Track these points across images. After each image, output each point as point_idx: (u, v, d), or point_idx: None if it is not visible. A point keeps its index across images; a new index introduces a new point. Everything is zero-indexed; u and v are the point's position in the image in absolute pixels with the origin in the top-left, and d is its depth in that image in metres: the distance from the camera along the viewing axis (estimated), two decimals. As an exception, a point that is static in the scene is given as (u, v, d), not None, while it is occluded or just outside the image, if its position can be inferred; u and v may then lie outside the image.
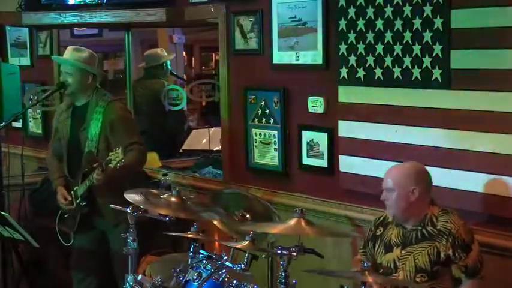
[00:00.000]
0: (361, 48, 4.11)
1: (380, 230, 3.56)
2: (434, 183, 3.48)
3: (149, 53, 6.88)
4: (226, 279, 3.31)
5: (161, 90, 6.18)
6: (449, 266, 3.37)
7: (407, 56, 3.89)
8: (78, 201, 4.53)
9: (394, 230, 3.49)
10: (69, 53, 4.59)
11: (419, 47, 3.83)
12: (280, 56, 4.62)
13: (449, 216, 3.38)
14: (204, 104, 8.11)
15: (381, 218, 3.60)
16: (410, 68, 3.88)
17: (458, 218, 3.39)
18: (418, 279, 3.36)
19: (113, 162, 4.09)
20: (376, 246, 3.54)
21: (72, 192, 4.57)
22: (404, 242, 3.43)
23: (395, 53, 3.94)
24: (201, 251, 3.44)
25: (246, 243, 3.24)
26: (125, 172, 4.29)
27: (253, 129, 4.85)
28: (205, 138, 6.82)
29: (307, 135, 4.51)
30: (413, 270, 3.37)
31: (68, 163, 4.62)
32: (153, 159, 5.96)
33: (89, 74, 4.53)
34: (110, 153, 4.13)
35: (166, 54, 6.89)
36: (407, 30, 3.87)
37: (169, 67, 6.86)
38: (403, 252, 3.42)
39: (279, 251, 3.15)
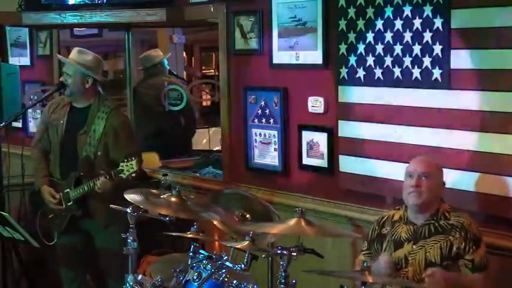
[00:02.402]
0: (361, 48, 4.11)
1: (386, 229, 3.56)
2: (434, 183, 3.51)
3: (143, 56, 6.86)
4: (226, 279, 3.32)
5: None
6: (457, 263, 3.38)
7: (407, 56, 3.89)
8: (69, 204, 4.51)
9: (404, 227, 3.50)
10: (73, 54, 4.58)
11: (419, 47, 3.83)
12: (280, 56, 4.62)
13: (460, 213, 3.45)
14: (204, 104, 8.11)
15: (385, 218, 3.61)
16: (410, 68, 3.88)
17: (468, 215, 3.45)
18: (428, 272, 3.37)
19: (125, 172, 4.13)
20: (384, 245, 3.53)
21: (61, 194, 4.54)
22: (416, 237, 3.45)
23: (395, 53, 3.94)
24: (201, 251, 3.44)
25: (246, 243, 3.24)
26: (125, 182, 4.31)
27: (253, 129, 4.85)
28: (205, 138, 6.82)
29: (307, 135, 4.51)
30: (423, 263, 3.39)
31: (61, 164, 4.59)
32: (153, 159, 5.96)
33: (89, 78, 4.51)
34: (122, 163, 4.15)
35: (160, 53, 6.87)
36: (407, 30, 3.87)
37: (166, 66, 6.85)
38: (414, 247, 3.43)
39: (279, 251, 3.15)
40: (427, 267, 3.37)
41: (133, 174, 4.15)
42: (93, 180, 4.34)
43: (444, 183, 3.51)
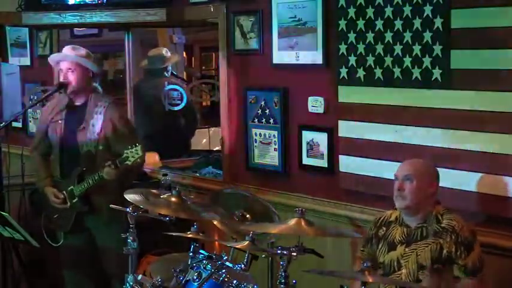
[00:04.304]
0: (361, 48, 4.11)
1: (383, 230, 3.55)
2: (434, 183, 3.51)
3: (153, 55, 6.82)
4: (226, 279, 3.31)
5: (166, 89, 6.18)
6: (450, 266, 3.37)
7: (407, 56, 3.89)
8: (74, 201, 4.52)
9: (398, 229, 3.50)
10: (68, 50, 4.60)
11: (419, 47, 3.83)
12: (280, 56, 4.62)
13: (453, 215, 3.42)
14: (204, 104, 8.12)
15: (382, 218, 3.60)
16: (410, 68, 3.88)
17: (461, 218, 3.42)
18: (420, 276, 3.38)
19: (130, 159, 4.12)
20: (380, 246, 3.53)
21: (64, 192, 4.54)
22: (408, 239, 3.44)
23: (395, 53, 3.94)
24: (201, 251, 3.44)
25: (246, 243, 3.24)
26: (129, 171, 4.32)
27: (253, 129, 4.85)
28: (205, 138, 6.82)
29: (307, 135, 4.51)
30: (416, 266, 3.38)
31: (61, 163, 4.59)
32: (153, 159, 5.97)
33: (89, 72, 4.54)
34: (126, 151, 4.14)
35: (170, 55, 6.86)
36: (407, 30, 3.87)
37: (170, 67, 6.85)
38: (406, 249, 3.43)
39: (279, 251, 3.15)
40: (420, 270, 3.38)
41: (139, 160, 4.14)
42: (97, 173, 4.34)
43: (433, 184, 3.46)
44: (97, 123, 4.47)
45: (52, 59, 4.70)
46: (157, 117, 6.48)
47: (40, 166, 4.69)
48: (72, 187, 4.50)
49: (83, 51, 4.58)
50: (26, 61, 6.67)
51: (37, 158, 4.71)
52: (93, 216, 4.55)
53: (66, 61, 4.54)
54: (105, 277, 4.64)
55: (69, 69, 4.50)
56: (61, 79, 4.54)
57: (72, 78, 4.50)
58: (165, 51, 6.86)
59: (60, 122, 4.59)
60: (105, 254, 4.55)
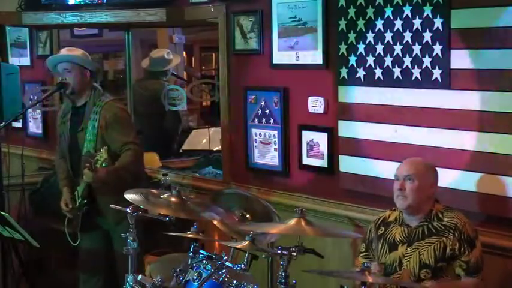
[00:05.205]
0: (361, 48, 4.11)
1: (381, 230, 3.56)
2: (434, 183, 3.51)
3: (156, 57, 6.80)
4: (226, 279, 3.31)
5: (161, 91, 6.17)
6: (452, 264, 3.38)
7: (407, 56, 3.89)
8: (79, 200, 4.55)
9: (398, 229, 3.49)
10: (64, 51, 4.64)
11: (419, 47, 3.83)
12: (280, 56, 4.62)
13: (454, 213, 3.43)
14: (204, 104, 8.12)
15: (381, 219, 3.60)
16: (410, 68, 3.88)
17: (462, 215, 3.43)
18: (422, 275, 3.38)
19: (98, 162, 4.14)
20: (379, 246, 3.53)
21: (75, 192, 4.59)
22: (410, 239, 3.44)
23: (395, 53, 3.95)
24: (201, 251, 3.44)
25: (246, 243, 3.24)
26: (122, 172, 4.35)
27: (253, 129, 4.85)
28: (205, 138, 6.81)
29: (307, 135, 4.51)
30: (418, 266, 3.38)
31: (71, 163, 4.66)
32: (153, 159, 5.96)
33: (87, 71, 4.56)
34: (96, 153, 4.19)
35: (172, 58, 6.85)
36: (407, 30, 3.88)
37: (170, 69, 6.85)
38: (408, 249, 3.43)
39: (279, 251, 3.15)
40: (422, 269, 3.38)
41: (104, 163, 4.17)
42: None
43: (433, 184, 3.47)
44: (94, 123, 4.49)
45: (49, 61, 4.69)
46: (141, 118, 6.49)
47: (60, 168, 4.80)
48: (78, 187, 4.56)
49: (78, 51, 4.62)
50: (26, 61, 6.67)
51: (58, 162, 4.82)
52: (102, 218, 4.59)
53: (63, 62, 4.56)
54: (118, 276, 4.65)
55: (66, 69, 4.53)
56: (59, 79, 4.58)
57: (71, 78, 4.52)
58: (167, 54, 6.84)
59: (66, 125, 4.66)
60: (118, 253, 4.56)
